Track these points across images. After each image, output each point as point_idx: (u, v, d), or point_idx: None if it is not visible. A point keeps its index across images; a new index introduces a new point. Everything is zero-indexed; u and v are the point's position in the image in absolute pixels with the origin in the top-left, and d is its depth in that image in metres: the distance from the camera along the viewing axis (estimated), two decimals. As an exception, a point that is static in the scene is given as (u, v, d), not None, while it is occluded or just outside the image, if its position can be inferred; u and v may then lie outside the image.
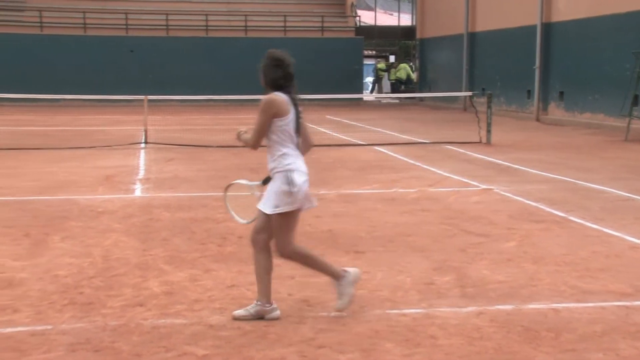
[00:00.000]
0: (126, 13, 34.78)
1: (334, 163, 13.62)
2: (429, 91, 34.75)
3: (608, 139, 18.20)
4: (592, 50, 21.98)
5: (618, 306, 5.49)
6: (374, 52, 46.49)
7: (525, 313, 5.32)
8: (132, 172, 12.42)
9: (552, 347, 4.68)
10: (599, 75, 21.51)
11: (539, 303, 5.55)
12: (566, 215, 8.78)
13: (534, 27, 24.58)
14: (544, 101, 24.52)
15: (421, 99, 35.66)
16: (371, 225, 8.24)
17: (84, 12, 34.36)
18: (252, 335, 4.86)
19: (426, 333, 4.91)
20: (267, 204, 5.07)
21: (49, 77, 31.88)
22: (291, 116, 5.10)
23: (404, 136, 18.74)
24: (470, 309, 5.41)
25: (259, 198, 5.19)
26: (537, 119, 24.29)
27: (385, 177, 11.84)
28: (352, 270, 5.30)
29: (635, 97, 18.16)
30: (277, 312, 5.16)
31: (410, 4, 43.84)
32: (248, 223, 5.34)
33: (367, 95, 41.03)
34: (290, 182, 5.04)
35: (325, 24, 36.83)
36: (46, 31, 33.98)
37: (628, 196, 10.12)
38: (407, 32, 41.20)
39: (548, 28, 24.22)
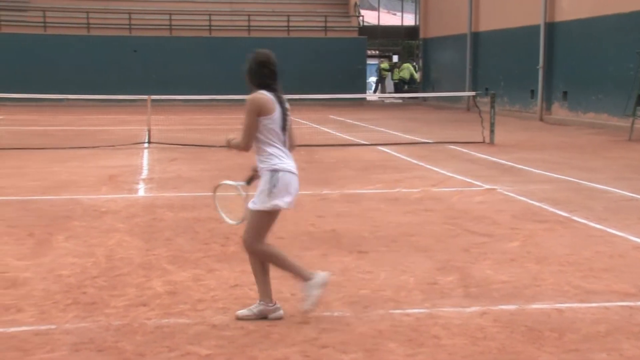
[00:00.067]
0: (129, 13, 34.81)
1: (337, 163, 13.62)
2: (432, 91, 34.73)
3: (612, 138, 18.17)
4: (595, 50, 21.95)
5: (622, 306, 5.48)
6: (377, 52, 46.47)
7: (529, 313, 5.32)
8: (136, 172, 12.43)
9: (556, 347, 4.68)
10: (602, 75, 21.48)
11: (543, 303, 5.54)
12: (570, 215, 8.77)
13: (537, 27, 24.55)
14: (548, 101, 24.49)
15: (424, 98, 35.64)
16: (374, 225, 8.24)
17: (87, 12, 34.41)
18: (255, 335, 4.86)
19: (429, 333, 4.91)
20: (252, 200, 5.09)
21: (53, 77, 31.94)
22: (277, 115, 5.08)
23: (407, 136, 18.73)
24: (473, 309, 5.40)
25: (246, 198, 5.18)
26: (541, 119, 24.26)
27: (388, 177, 11.83)
28: (321, 273, 5.24)
29: (639, 96, 18.12)
30: (280, 312, 5.16)
31: (414, 4, 43.81)
32: (237, 224, 5.33)
33: (370, 95, 41.02)
34: (272, 182, 5.03)
35: (329, 24, 36.83)
36: (50, 31, 34.02)
37: (632, 196, 10.10)
38: (411, 32, 41.19)
39: (551, 28, 24.19)
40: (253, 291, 5.31)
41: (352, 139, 18.05)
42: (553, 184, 11.12)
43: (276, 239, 7.49)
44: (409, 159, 14.22)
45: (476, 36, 30.41)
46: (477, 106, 19.12)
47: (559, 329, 4.99)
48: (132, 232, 7.85)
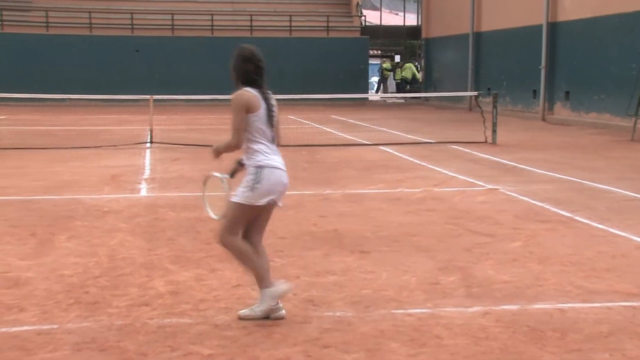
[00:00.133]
0: (132, 13, 34.83)
1: (339, 163, 13.62)
2: (435, 91, 34.72)
3: (614, 138, 18.15)
4: (598, 50, 21.93)
5: (624, 306, 5.48)
6: (379, 51, 46.46)
7: (531, 313, 5.31)
8: (138, 172, 12.43)
9: (558, 347, 4.67)
10: (605, 75, 21.46)
11: (545, 303, 5.54)
12: (572, 215, 8.76)
13: (539, 27, 24.53)
14: (550, 101, 24.47)
15: (426, 98, 35.63)
16: (376, 225, 8.23)
17: (89, 12, 34.43)
18: (257, 335, 4.86)
19: (431, 333, 4.91)
20: (235, 193, 5.08)
21: (55, 76, 31.97)
22: (262, 111, 5.05)
23: (409, 136, 18.72)
24: (475, 309, 5.40)
25: (228, 192, 5.17)
26: (543, 119, 24.24)
27: (390, 177, 11.83)
28: (282, 285, 5.14)
29: (642, 96, 18.11)
30: (283, 312, 5.16)
31: (416, 4, 43.80)
32: (217, 219, 5.29)
33: (373, 95, 41.01)
34: (256, 178, 5.01)
35: (331, 24, 36.83)
36: (52, 31, 34.05)
37: (634, 196, 10.09)
38: (413, 32, 41.16)
39: (554, 28, 24.17)
40: (255, 291, 5.31)
41: (354, 138, 18.04)
42: (555, 184, 11.12)
43: (278, 238, 7.50)
44: (411, 159, 14.22)
45: (478, 36, 30.40)
46: (479, 106, 19.10)
47: (561, 329, 4.98)
48: (134, 232, 7.85)
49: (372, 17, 45.06)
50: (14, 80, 30.50)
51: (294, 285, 5.38)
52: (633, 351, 4.61)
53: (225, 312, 5.29)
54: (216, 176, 5.26)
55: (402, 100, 37.60)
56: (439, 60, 35.83)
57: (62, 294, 5.70)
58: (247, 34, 35.31)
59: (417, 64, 40.65)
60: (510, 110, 26.62)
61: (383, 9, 45.27)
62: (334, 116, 25.99)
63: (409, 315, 5.27)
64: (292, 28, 36.12)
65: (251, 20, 35.74)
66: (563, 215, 8.77)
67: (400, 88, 40.12)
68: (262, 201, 5.04)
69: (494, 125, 16.83)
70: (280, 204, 5.21)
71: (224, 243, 5.13)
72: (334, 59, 35.33)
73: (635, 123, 17.90)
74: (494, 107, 17.02)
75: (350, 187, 10.88)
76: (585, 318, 5.21)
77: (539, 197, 9.90)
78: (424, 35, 37.37)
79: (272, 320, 5.09)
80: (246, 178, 5.07)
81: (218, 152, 5.22)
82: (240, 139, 5.02)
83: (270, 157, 5.06)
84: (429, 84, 36.65)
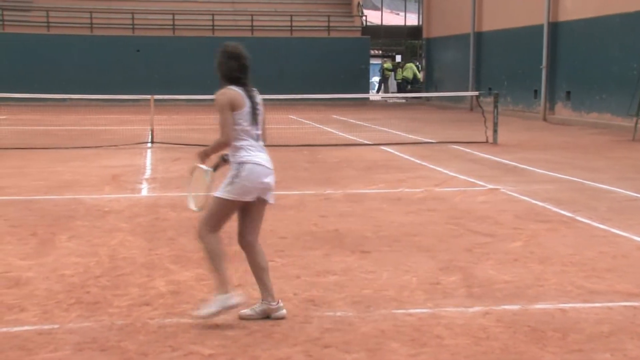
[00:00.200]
0: (132, 13, 34.84)
1: (340, 163, 13.62)
2: (436, 91, 34.71)
3: (615, 138, 18.14)
4: (599, 50, 21.92)
5: (625, 306, 5.47)
6: (380, 51, 46.44)
7: (532, 313, 5.31)
8: (139, 172, 12.44)
9: (559, 347, 4.67)
10: (606, 75, 21.45)
11: (546, 303, 5.54)
12: (573, 215, 8.76)
13: (540, 27, 24.52)
14: (551, 101, 24.46)
15: (427, 98, 35.62)
16: (377, 225, 8.23)
17: (90, 12, 34.44)
18: (258, 335, 4.86)
19: (432, 333, 4.91)
20: (218, 187, 5.07)
21: (56, 76, 31.98)
22: (246, 109, 5.04)
23: (410, 136, 18.72)
24: (476, 309, 5.40)
25: (210, 186, 5.15)
26: (544, 119, 24.23)
27: (391, 177, 11.82)
28: (235, 298, 5.04)
29: (643, 96, 18.12)
30: (283, 312, 5.16)
31: (417, 4, 43.79)
32: (196, 210, 5.30)
33: (374, 95, 41.01)
34: (237, 173, 5.00)
35: (332, 24, 36.83)
36: (53, 31, 34.07)
37: (635, 196, 10.08)
38: (414, 32, 41.16)
39: (555, 27, 24.16)
40: (256, 291, 5.31)
41: (355, 138, 18.04)
42: (556, 184, 11.11)
43: (279, 238, 7.51)
44: (411, 158, 14.21)
45: (479, 36, 30.39)
46: (480, 106, 19.11)
47: (562, 329, 4.98)
48: (135, 232, 7.85)
49: (373, 17, 45.06)
50: (15, 80, 30.50)
51: (246, 298, 5.30)
52: (634, 351, 4.61)
53: (226, 312, 5.28)
54: (201, 168, 5.27)
55: (403, 100, 37.59)
56: (440, 60, 35.82)
57: (63, 293, 5.70)
58: (248, 34, 35.32)
59: (418, 63, 40.64)
60: (511, 110, 26.61)
61: (384, 9, 45.27)
62: (334, 116, 25.99)
63: (410, 315, 5.26)
64: (293, 28, 36.12)
65: (252, 20, 35.74)
66: (564, 215, 8.76)
67: (401, 88, 40.11)
68: (244, 197, 5.02)
69: (495, 125, 16.83)
70: (271, 201, 5.18)
71: (201, 237, 5.12)
72: (335, 59, 35.33)
73: (636, 123, 17.89)
74: (495, 107, 17.02)
75: (351, 187, 10.88)
76: (586, 318, 5.20)
77: (539, 197, 9.90)
78: (425, 35, 37.37)
79: (273, 320, 5.09)
80: (228, 174, 5.08)
81: (206, 155, 5.19)
82: (229, 135, 5.01)
83: (253, 154, 5.05)
84: (429, 84, 36.64)
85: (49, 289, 5.81)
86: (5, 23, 34.08)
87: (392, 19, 49.27)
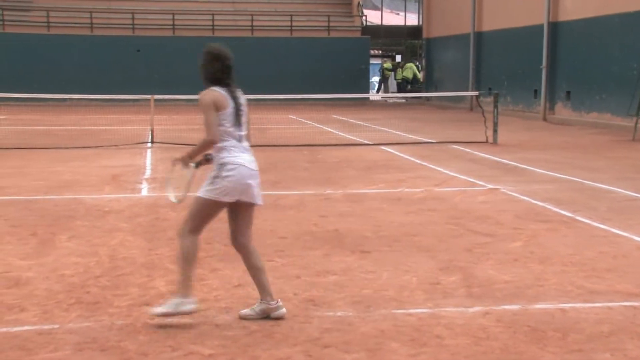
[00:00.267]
0: (133, 13, 34.84)
1: (340, 163, 13.62)
2: (435, 91, 34.71)
3: (615, 138, 18.14)
4: (599, 50, 21.92)
5: (625, 306, 5.47)
6: (380, 51, 46.44)
7: (532, 313, 5.31)
8: (139, 172, 12.43)
9: (559, 347, 4.67)
10: (606, 74, 21.45)
11: (546, 303, 5.54)
12: (573, 215, 8.76)
13: (540, 27, 24.52)
14: (551, 101, 24.46)
15: (427, 98, 35.62)
16: (377, 225, 8.23)
17: (90, 12, 34.44)
18: (258, 335, 4.86)
19: (432, 333, 4.91)
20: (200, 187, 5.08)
21: (56, 76, 31.97)
22: (230, 110, 5.03)
23: (410, 136, 18.72)
24: (476, 309, 5.40)
25: (191, 181, 5.17)
26: (544, 119, 24.23)
27: (391, 177, 11.82)
28: (191, 305, 5.04)
29: (643, 96, 18.12)
30: (283, 311, 5.15)
31: (417, 4, 43.79)
32: (175, 202, 5.42)
33: (374, 95, 41.01)
34: (218, 174, 5.01)
35: (332, 24, 36.83)
36: (53, 31, 34.07)
37: (635, 196, 10.08)
38: (414, 32, 41.16)
39: (555, 27, 24.16)
40: (255, 291, 5.31)
41: (355, 138, 18.04)
42: (556, 184, 11.11)
43: (279, 238, 7.51)
44: (411, 158, 14.21)
45: (479, 36, 30.39)
46: (480, 106, 19.10)
47: (562, 329, 4.98)
48: (135, 232, 7.85)
49: (373, 17, 45.05)
50: (15, 80, 30.50)
51: (202, 307, 5.27)
52: (634, 351, 4.61)
53: (226, 312, 5.29)
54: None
55: (403, 100, 37.59)
56: (440, 60, 35.82)
57: (63, 293, 5.70)
58: (248, 34, 35.35)
59: (418, 63, 40.64)
60: (511, 110, 26.61)
61: (384, 9, 45.27)
62: (334, 116, 25.99)
63: (410, 315, 5.26)
64: (293, 28, 36.12)
65: (252, 20, 35.74)
66: (564, 215, 8.76)
67: (401, 88, 40.11)
68: (224, 198, 5.02)
69: (495, 125, 16.83)
70: (259, 202, 5.16)
71: (180, 236, 5.16)
72: (335, 58, 35.33)
73: (636, 123, 17.88)
74: (495, 107, 17.02)
75: (351, 187, 10.88)
76: (586, 318, 5.20)
77: (539, 197, 9.90)
78: (425, 35, 37.37)
79: (273, 320, 5.09)
80: (210, 174, 5.09)
81: (190, 158, 5.19)
82: (215, 134, 5.00)
83: (235, 155, 5.04)
84: (429, 83, 36.64)
85: (49, 289, 5.81)
86: (5, 23, 34.08)
87: (392, 18, 49.27)
